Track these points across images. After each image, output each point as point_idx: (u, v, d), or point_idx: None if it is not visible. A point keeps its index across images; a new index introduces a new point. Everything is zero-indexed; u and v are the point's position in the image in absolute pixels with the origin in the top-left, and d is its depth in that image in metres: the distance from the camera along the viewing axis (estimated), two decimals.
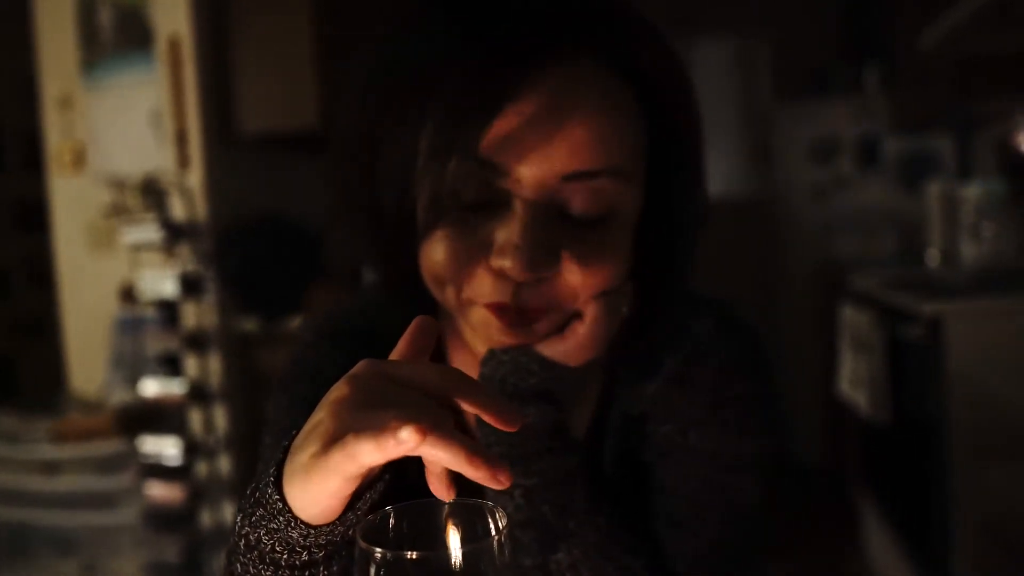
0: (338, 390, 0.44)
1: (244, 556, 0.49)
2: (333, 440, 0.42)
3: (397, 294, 0.66)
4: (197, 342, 2.47)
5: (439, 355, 0.73)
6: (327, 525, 0.46)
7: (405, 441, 0.40)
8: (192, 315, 2.50)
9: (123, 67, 2.63)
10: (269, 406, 0.74)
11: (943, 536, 2.13)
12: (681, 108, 0.62)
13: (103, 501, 2.41)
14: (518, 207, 0.56)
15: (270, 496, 0.46)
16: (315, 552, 0.47)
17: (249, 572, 0.49)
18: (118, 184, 2.67)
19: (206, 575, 2.38)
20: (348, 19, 2.51)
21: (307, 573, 0.48)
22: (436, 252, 0.58)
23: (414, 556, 0.39)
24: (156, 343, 2.51)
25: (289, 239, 2.61)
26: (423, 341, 0.49)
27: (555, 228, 0.57)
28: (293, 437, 0.46)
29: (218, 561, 2.34)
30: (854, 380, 2.65)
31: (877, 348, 2.47)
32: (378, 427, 0.41)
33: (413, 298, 0.64)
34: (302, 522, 0.46)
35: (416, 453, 0.41)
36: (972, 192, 2.77)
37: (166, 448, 2.41)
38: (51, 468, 2.43)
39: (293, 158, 2.88)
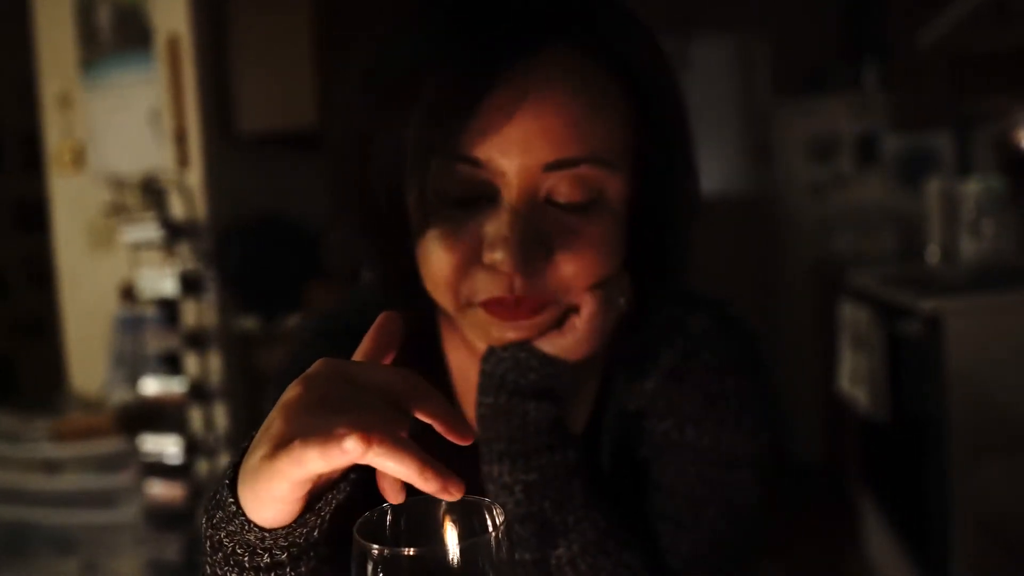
0: (292, 390, 0.43)
1: (210, 557, 0.48)
2: (281, 444, 0.41)
3: (394, 293, 0.66)
4: (197, 341, 2.47)
5: (438, 353, 0.73)
6: (283, 528, 0.45)
7: (350, 452, 0.39)
8: (192, 314, 2.50)
9: (122, 66, 2.63)
10: (267, 405, 0.74)
11: (942, 533, 2.13)
12: (663, 95, 0.61)
13: (103, 500, 2.41)
14: (505, 200, 0.57)
15: (225, 499, 0.46)
16: (277, 554, 0.46)
17: (217, 574, 0.48)
18: (118, 183, 2.67)
19: None
20: (347, 18, 2.52)
21: (273, 574, 0.47)
22: (430, 255, 0.59)
23: (411, 552, 0.39)
24: (156, 342, 2.52)
25: (288, 238, 2.62)
26: (387, 339, 0.48)
27: (543, 218, 0.57)
28: (251, 438, 0.45)
29: None
30: (853, 377, 2.66)
31: (876, 345, 2.47)
32: (325, 434, 0.40)
33: (410, 296, 0.64)
34: (256, 525, 0.45)
35: (364, 462, 0.40)
36: (971, 189, 2.77)
37: (166, 447, 2.41)
38: (51, 467, 2.43)
39: (292, 157, 2.88)
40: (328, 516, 0.47)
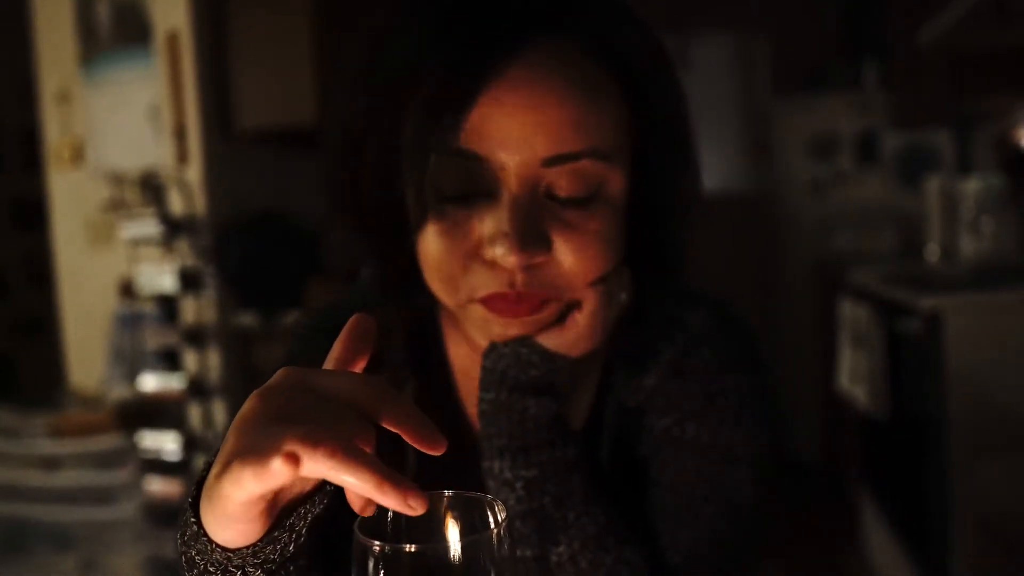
0: (248, 403, 0.41)
1: (188, 573, 0.47)
2: (226, 463, 0.40)
3: (393, 290, 0.66)
4: (196, 337, 2.47)
5: (439, 349, 0.73)
6: (250, 547, 0.44)
7: (277, 473, 0.38)
8: (191, 310, 2.50)
9: (121, 62, 2.63)
10: None
11: (941, 531, 2.13)
12: (662, 88, 0.61)
13: (102, 496, 2.41)
14: (504, 195, 0.56)
15: (188, 517, 0.45)
16: (251, 572, 0.45)
17: None
18: (117, 179, 2.66)
19: None
20: (346, 15, 2.51)
21: None
22: (429, 252, 0.58)
23: (412, 549, 0.39)
24: (155, 338, 2.52)
25: (288, 235, 2.61)
26: (359, 343, 0.46)
27: (543, 213, 0.57)
28: (216, 453, 0.43)
29: None
30: (853, 376, 2.66)
31: (876, 343, 2.47)
32: (259, 453, 0.38)
33: (410, 293, 0.64)
34: (218, 546, 0.44)
35: (315, 476, 0.39)
36: (971, 188, 2.77)
37: (165, 443, 2.41)
38: (50, 463, 2.43)
39: (292, 153, 2.88)
40: (304, 529, 0.45)
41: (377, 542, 0.39)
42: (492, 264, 0.57)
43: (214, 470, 0.41)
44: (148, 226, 2.45)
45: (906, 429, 2.38)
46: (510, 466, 0.62)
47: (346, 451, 0.38)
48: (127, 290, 2.60)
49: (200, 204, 2.54)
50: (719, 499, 0.67)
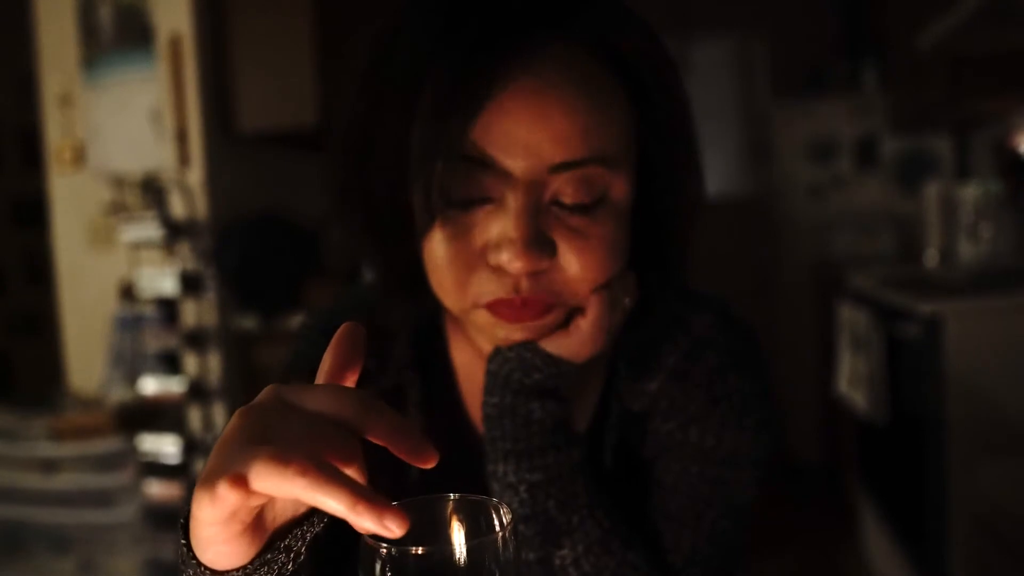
0: (231, 421, 0.40)
1: None
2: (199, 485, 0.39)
3: (397, 293, 0.66)
4: (196, 340, 2.47)
5: (443, 353, 0.73)
6: (239, 570, 0.42)
7: (223, 498, 0.37)
8: (191, 313, 2.50)
9: (123, 64, 2.63)
10: None
11: (940, 534, 2.14)
12: (668, 94, 0.61)
13: (101, 499, 2.41)
14: (510, 201, 0.56)
15: (178, 539, 0.44)
16: None
17: None
18: (118, 182, 2.67)
19: None
20: (348, 18, 2.52)
21: None
22: (435, 257, 0.58)
23: (419, 551, 0.39)
24: (155, 341, 2.51)
25: (288, 237, 2.61)
26: (350, 353, 0.45)
27: (548, 219, 0.57)
28: None
29: None
30: (852, 380, 2.66)
31: (875, 347, 2.47)
32: (213, 477, 0.37)
33: (414, 296, 0.65)
34: (208, 569, 0.43)
35: (289, 496, 0.37)
36: (970, 192, 2.78)
37: (165, 446, 2.41)
38: (49, 466, 2.43)
39: (293, 156, 2.88)
40: (303, 548, 0.44)
41: (383, 544, 0.40)
42: (497, 269, 0.57)
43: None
44: (149, 229, 2.45)
45: (905, 431, 2.38)
46: (514, 469, 0.62)
47: (318, 470, 0.36)
48: (127, 292, 2.60)
49: (201, 207, 2.54)
50: (722, 501, 0.68)
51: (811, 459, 3.77)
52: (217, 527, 0.40)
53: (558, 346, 0.62)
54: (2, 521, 2.45)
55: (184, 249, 2.48)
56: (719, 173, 4.15)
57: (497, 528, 0.43)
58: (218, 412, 2.53)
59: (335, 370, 0.44)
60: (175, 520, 2.32)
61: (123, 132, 2.64)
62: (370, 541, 0.40)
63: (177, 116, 2.55)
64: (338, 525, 0.43)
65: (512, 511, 0.43)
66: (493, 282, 0.58)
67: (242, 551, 0.42)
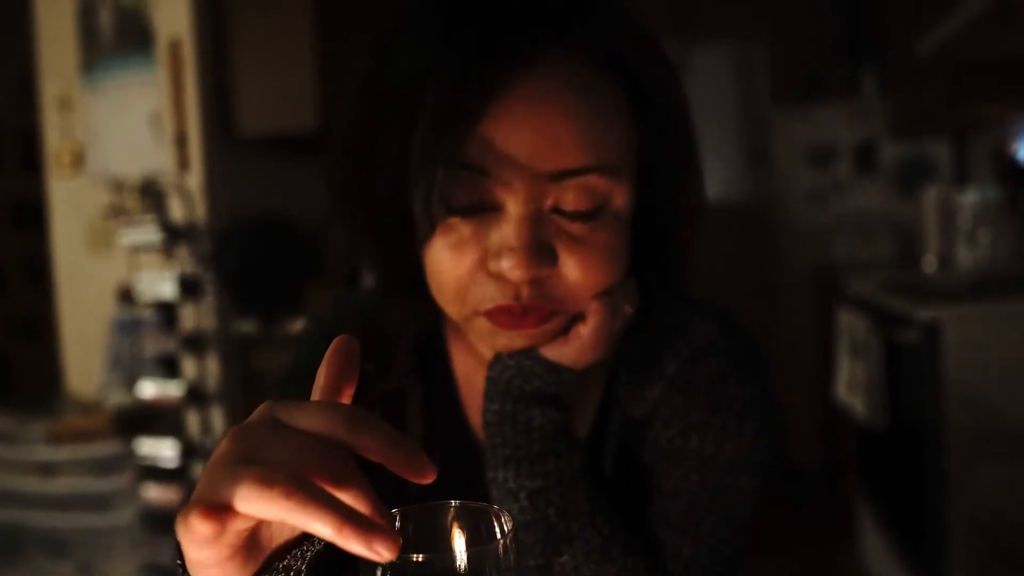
0: (223, 442, 0.39)
1: None
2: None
3: (397, 300, 0.66)
4: (195, 344, 2.47)
5: (444, 360, 0.73)
6: None
7: (195, 529, 0.36)
8: (190, 317, 2.50)
9: (123, 68, 2.63)
10: None
11: (938, 539, 2.14)
12: (668, 101, 0.61)
13: (99, 503, 2.40)
14: (511, 209, 0.56)
15: (174, 559, 0.44)
16: None
17: None
18: (117, 185, 2.67)
19: None
20: (348, 21, 2.52)
21: None
22: (436, 264, 0.58)
23: (420, 559, 0.39)
24: (154, 344, 2.51)
25: (288, 241, 2.61)
26: (345, 367, 0.43)
27: (549, 227, 0.57)
28: None
29: None
30: (851, 385, 2.66)
31: (874, 353, 2.47)
32: (205, 500, 0.37)
33: (415, 303, 0.64)
34: None
35: (276, 519, 0.36)
36: (968, 198, 2.78)
37: (163, 450, 2.40)
38: (47, 469, 2.42)
39: (292, 160, 2.88)
40: (303, 566, 0.43)
41: None
42: (498, 277, 0.57)
43: None
44: (148, 232, 2.45)
45: (903, 436, 2.38)
46: (515, 476, 0.62)
47: (303, 492, 0.35)
48: (126, 296, 2.60)
49: (200, 210, 2.54)
50: (721, 509, 0.68)
51: (811, 461, 3.77)
52: (206, 552, 0.39)
53: (558, 353, 0.62)
54: (0, 524, 2.45)
55: (183, 253, 2.48)
56: (719, 178, 4.16)
57: (498, 535, 0.43)
58: (216, 416, 2.53)
59: (330, 385, 0.43)
60: (173, 524, 2.32)
61: (122, 135, 2.65)
62: None
63: (176, 120, 2.55)
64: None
65: (512, 518, 0.43)
66: (494, 289, 0.58)
67: (234, 572, 0.41)
